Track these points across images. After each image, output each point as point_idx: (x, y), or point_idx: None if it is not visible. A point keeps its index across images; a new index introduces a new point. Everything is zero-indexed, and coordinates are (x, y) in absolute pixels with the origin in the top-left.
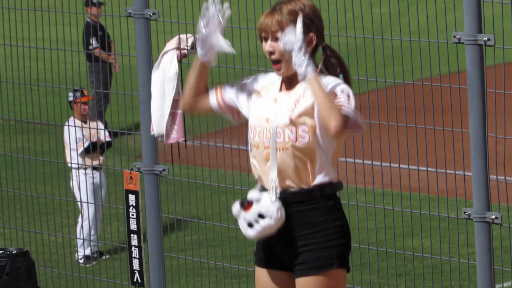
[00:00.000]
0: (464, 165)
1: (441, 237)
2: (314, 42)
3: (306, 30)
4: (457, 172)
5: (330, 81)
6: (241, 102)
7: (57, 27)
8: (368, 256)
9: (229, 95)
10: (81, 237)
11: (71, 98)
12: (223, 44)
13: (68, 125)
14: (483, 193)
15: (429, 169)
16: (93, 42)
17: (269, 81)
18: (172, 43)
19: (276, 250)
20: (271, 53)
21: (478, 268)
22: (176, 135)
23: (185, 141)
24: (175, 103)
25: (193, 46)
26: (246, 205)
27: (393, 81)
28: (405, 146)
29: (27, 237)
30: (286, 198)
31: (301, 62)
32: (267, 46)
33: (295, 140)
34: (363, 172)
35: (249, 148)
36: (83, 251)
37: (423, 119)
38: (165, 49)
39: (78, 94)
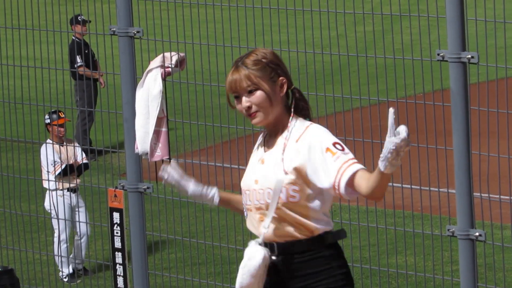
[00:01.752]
0: (448, 183)
1: (425, 254)
2: (285, 86)
3: (275, 75)
4: (441, 189)
5: (313, 133)
6: None
7: (42, 45)
8: (352, 273)
9: None
10: (60, 256)
11: (47, 121)
12: (201, 193)
13: (46, 147)
14: (467, 211)
15: (413, 186)
16: (78, 60)
17: (256, 144)
18: (156, 61)
19: None
20: (249, 107)
21: (462, 286)
22: (160, 153)
23: (170, 159)
24: (159, 121)
25: (177, 64)
26: None
27: (377, 99)
28: None
29: (11, 255)
30: (288, 250)
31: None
32: (244, 102)
33: (286, 201)
34: None
35: (245, 214)
36: (66, 269)
37: None
38: (149, 67)
39: (54, 116)
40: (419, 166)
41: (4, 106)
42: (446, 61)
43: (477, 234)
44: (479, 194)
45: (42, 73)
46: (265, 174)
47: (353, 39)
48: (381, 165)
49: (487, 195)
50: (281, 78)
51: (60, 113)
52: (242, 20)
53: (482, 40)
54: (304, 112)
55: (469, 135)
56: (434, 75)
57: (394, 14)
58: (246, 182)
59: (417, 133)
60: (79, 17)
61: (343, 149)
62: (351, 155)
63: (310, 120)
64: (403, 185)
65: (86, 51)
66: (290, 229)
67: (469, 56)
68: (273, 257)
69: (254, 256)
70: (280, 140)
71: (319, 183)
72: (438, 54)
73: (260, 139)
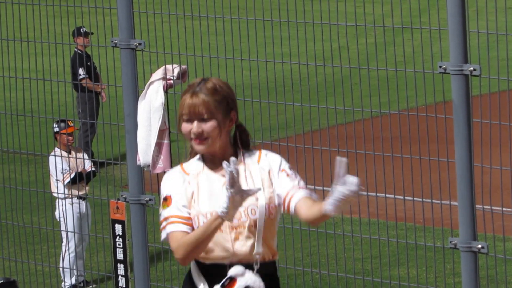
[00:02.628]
0: (450, 195)
1: (427, 266)
2: (235, 120)
3: (229, 109)
4: (443, 201)
5: (271, 155)
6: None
7: (43, 57)
8: (354, 285)
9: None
10: (65, 266)
11: (56, 129)
12: (252, 191)
13: (54, 156)
14: (469, 223)
15: (415, 198)
16: (81, 72)
17: (192, 174)
18: (158, 74)
19: None
20: (200, 134)
21: None
22: (162, 165)
23: None
24: (161, 133)
25: (179, 76)
26: (228, 283)
27: (379, 111)
28: (391, 175)
29: (14, 266)
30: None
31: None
32: (195, 127)
33: (274, 214)
34: None
35: None
36: (69, 280)
37: (409, 149)
38: (151, 79)
39: (62, 125)
40: (421, 178)
41: (7, 118)
42: (448, 73)
43: (479, 246)
44: (481, 206)
45: (44, 85)
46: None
47: (355, 51)
48: (327, 209)
49: (489, 207)
50: (233, 112)
51: (68, 122)
52: (244, 32)
53: (484, 53)
54: (246, 143)
55: (471, 147)
56: (436, 87)
57: (396, 26)
58: (212, 204)
59: (419, 145)
60: (81, 29)
61: (295, 174)
62: (302, 181)
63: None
64: (405, 197)
65: (88, 63)
66: (261, 249)
67: (471, 68)
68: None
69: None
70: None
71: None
72: (440, 67)
73: (191, 168)
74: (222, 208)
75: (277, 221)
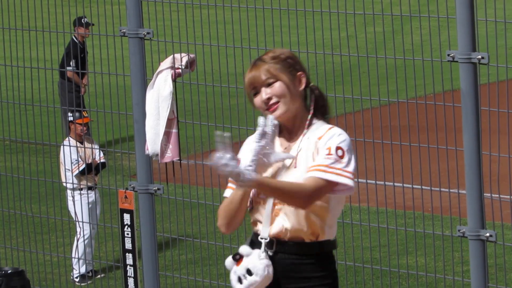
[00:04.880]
0: (459, 183)
1: (435, 255)
2: (304, 80)
3: (293, 69)
4: (451, 190)
5: (332, 133)
6: None
7: (52, 47)
8: (363, 274)
9: None
10: (77, 256)
11: (70, 118)
12: (284, 156)
13: (69, 146)
14: (477, 211)
15: (423, 187)
16: (73, 64)
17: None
18: (166, 62)
19: None
20: (269, 99)
21: (472, 286)
22: (170, 154)
23: (180, 160)
24: (170, 122)
25: (187, 65)
26: (238, 258)
27: (387, 100)
28: (399, 164)
29: (22, 256)
30: (288, 249)
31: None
32: (264, 94)
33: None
34: (357, 190)
35: (249, 207)
36: (78, 269)
37: (418, 137)
38: (160, 68)
39: (77, 114)
40: (430, 166)
41: (15, 107)
42: (456, 61)
43: (487, 234)
44: (489, 194)
45: (53, 75)
46: (290, 170)
47: (363, 40)
48: None
49: (497, 195)
50: (299, 73)
51: (84, 112)
52: (253, 21)
53: (492, 41)
54: (322, 109)
55: (480, 135)
56: (444, 75)
57: (404, 15)
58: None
59: (428, 134)
60: (82, 19)
61: (342, 156)
62: (344, 166)
63: (329, 117)
64: (414, 186)
65: (82, 55)
66: (301, 230)
67: (479, 56)
68: (270, 253)
69: (258, 273)
70: (301, 136)
71: None
72: (448, 55)
73: (270, 132)
74: (247, 166)
75: (330, 200)
